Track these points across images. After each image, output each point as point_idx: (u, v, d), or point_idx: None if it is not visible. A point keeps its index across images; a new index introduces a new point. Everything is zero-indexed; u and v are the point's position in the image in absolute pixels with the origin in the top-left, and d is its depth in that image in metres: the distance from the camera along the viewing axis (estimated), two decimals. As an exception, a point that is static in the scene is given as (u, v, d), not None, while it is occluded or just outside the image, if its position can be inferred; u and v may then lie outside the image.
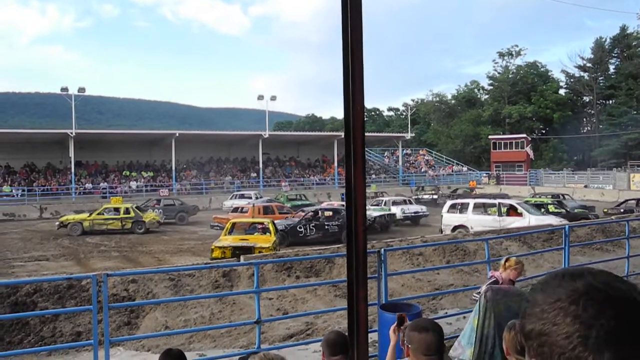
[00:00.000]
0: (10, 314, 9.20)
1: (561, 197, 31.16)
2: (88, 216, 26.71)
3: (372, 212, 25.09)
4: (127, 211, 26.69)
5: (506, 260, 5.90)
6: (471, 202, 22.70)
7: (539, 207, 24.19)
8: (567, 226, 9.74)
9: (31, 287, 10.13)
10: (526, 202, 26.41)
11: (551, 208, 24.07)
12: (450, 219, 22.03)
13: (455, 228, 21.30)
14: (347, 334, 5.55)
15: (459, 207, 22.41)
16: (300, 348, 7.56)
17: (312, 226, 21.78)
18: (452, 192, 40.54)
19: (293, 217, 23.78)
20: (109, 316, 6.34)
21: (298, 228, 21.73)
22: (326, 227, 21.83)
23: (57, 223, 26.59)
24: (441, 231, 22.12)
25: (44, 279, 12.26)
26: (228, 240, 17.40)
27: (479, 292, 5.20)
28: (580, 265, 8.11)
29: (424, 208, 30.03)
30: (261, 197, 34.75)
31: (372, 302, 6.48)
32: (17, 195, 37.56)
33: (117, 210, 27.02)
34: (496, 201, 22.54)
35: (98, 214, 26.65)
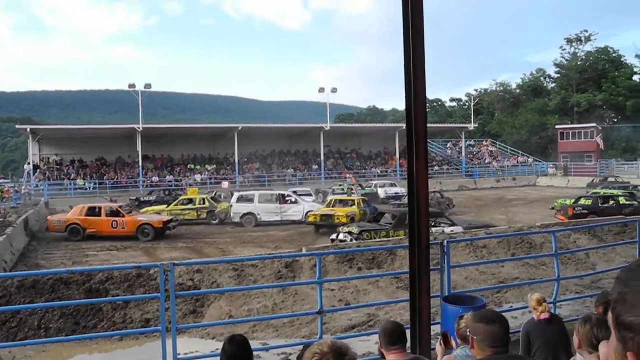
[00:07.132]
0: (85, 299, 9.66)
1: (631, 187, 29.59)
2: (166, 207, 27.64)
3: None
4: (202, 202, 27.47)
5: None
6: (256, 193, 27.06)
7: (609, 198, 23.23)
8: (640, 219, 9.34)
9: (103, 275, 10.58)
10: (593, 193, 25.39)
11: (622, 200, 23.04)
12: (239, 208, 25.66)
13: (244, 215, 25.30)
14: (409, 325, 5.52)
15: (246, 197, 26.53)
16: (362, 339, 7.55)
17: None
18: (602, 180, 38.10)
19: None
20: (175, 304, 6.53)
21: None
22: None
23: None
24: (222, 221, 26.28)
25: (115, 267, 12.77)
26: (320, 210, 22.67)
27: None
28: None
29: (403, 190, 31.26)
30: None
31: (435, 295, 6.41)
32: (89, 187, 39.19)
33: (191, 201, 27.84)
34: (275, 192, 27.54)
35: (175, 205, 27.53)
